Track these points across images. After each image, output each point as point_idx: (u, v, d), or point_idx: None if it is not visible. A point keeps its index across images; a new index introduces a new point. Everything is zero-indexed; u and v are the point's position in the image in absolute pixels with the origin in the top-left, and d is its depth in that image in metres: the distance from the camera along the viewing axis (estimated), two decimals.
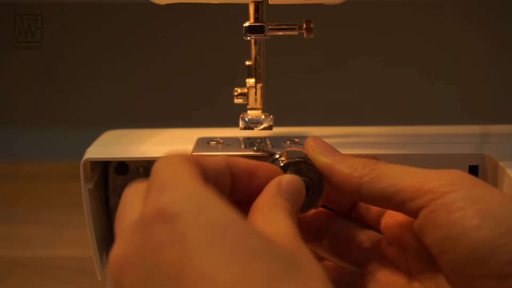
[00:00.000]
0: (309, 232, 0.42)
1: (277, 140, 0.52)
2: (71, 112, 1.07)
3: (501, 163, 0.48)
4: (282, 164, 0.39)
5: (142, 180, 0.33)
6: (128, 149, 0.52)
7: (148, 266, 0.28)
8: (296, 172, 0.39)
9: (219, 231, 0.27)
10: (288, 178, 0.36)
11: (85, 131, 0.74)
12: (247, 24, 0.51)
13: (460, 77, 1.05)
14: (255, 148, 0.48)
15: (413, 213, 0.35)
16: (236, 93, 0.54)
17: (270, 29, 0.51)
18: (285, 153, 0.40)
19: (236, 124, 0.53)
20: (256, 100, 0.53)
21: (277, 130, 0.55)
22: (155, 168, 0.31)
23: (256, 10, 0.51)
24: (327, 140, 0.52)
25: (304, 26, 0.51)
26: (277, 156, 0.40)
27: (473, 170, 0.49)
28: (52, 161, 0.96)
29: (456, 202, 0.32)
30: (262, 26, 0.51)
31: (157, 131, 0.58)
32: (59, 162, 0.93)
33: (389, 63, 1.04)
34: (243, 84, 0.54)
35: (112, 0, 1.01)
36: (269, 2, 0.50)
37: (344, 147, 0.51)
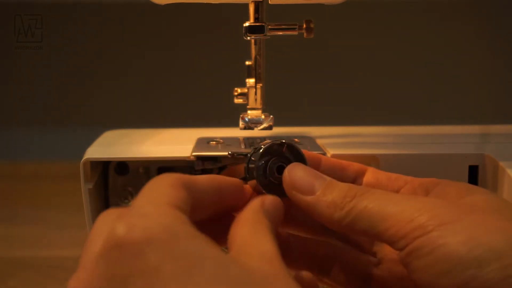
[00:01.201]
0: (314, 263, 0.41)
1: None
2: (71, 112, 1.07)
3: (501, 163, 0.48)
4: (254, 157, 0.39)
5: (114, 208, 0.32)
6: (128, 149, 0.52)
7: None
8: (273, 155, 0.39)
9: (195, 262, 0.26)
10: (271, 198, 0.35)
11: (85, 131, 0.75)
12: (247, 24, 0.51)
13: (460, 77, 1.05)
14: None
15: (398, 248, 0.33)
16: (236, 93, 0.54)
17: (270, 29, 0.51)
18: (256, 148, 0.40)
19: (236, 124, 0.53)
20: (256, 100, 0.53)
21: (277, 130, 0.55)
22: (143, 190, 0.31)
23: (256, 10, 0.51)
24: (327, 140, 0.52)
25: (304, 26, 0.51)
26: (251, 152, 0.40)
27: (473, 170, 0.49)
28: (52, 161, 0.96)
29: (440, 239, 0.31)
30: (262, 26, 0.51)
31: (157, 131, 0.58)
32: (59, 162, 0.93)
33: (389, 63, 1.04)
34: (243, 84, 0.54)
35: (112, 0, 1.01)
36: (269, 2, 0.50)
37: (344, 147, 0.51)
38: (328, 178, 0.37)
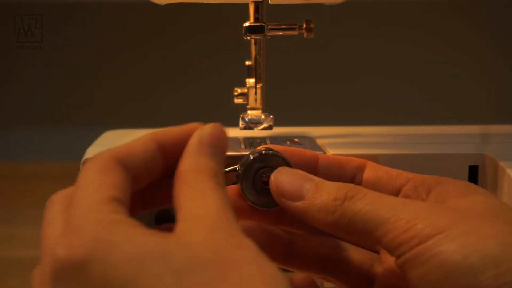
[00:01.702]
0: (318, 262, 0.40)
1: (277, 140, 0.52)
2: (71, 112, 1.07)
3: (501, 163, 0.48)
4: (241, 178, 0.38)
5: (64, 189, 0.32)
6: None
7: None
8: (256, 169, 0.38)
9: (136, 264, 0.26)
10: (207, 131, 0.33)
11: (85, 131, 0.74)
12: (247, 24, 0.51)
13: (460, 77, 1.05)
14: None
15: (394, 255, 0.33)
16: (236, 93, 0.54)
17: (270, 29, 0.51)
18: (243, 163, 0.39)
19: (236, 124, 0.53)
20: (256, 100, 0.53)
21: (277, 130, 0.55)
22: (76, 183, 0.30)
23: (256, 10, 0.51)
24: (327, 140, 0.52)
25: (304, 26, 0.51)
26: (238, 171, 0.39)
27: (473, 170, 0.49)
28: (52, 161, 0.96)
29: (436, 247, 0.31)
30: (262, 26, 0.51)
31: None
32: (59, 162, 0.93)
33: (389, 63, 1.04)
34: (243, 84, 0.54)
35: (112, 0, 1.01)
36: (269, 2, 0.50)
37: (344, 147, 0.51)
38: (316, 179, 0.36)
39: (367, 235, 0.33)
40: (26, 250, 0.66)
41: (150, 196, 0.35)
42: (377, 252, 0.40)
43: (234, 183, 0.39)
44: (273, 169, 0.37)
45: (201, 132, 0.34)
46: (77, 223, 0.28)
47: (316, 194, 0.35)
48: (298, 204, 0.35)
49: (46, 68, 1.05)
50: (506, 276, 0.29)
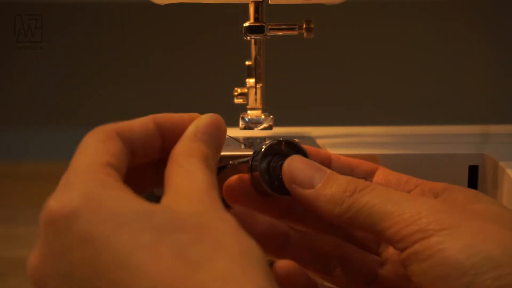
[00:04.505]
0: (316, 261, 0.40)
1: None
2: (71, 112, 1.07)
3: (501, 163, 0.48)
4: (256, 161, 0.39)
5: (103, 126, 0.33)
6: None
7: (62, 271, 0.28)
8: (274, 155, 0.38)
9: (120, 221, 0.27)
10: (205, 119, 0.35)
11: (85, 131, 0.74)
12: (247, 24, 0.51)
13: (460, 77, 1.05)
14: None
15: (397, 249, 0.33)
16: (236, 93, 0.54)
17: (270, 29, 0.51)
18: (256, 151, 0.39)
19: (236, 124, 0.53)
20: (256, 100, 0.53)
21: (277, 130, 0.55)
22: (78, 148, 0.32)
23: (256, 10, 0.51)
24: (327, 140, 0.52)
25: (304, 26, 0.51)
26: (251, 157, 0.39)
27: (473, 170, 0.49)
28: (52, 161, 0.96)
29: (439, 244, 0.31)
30: (262, 26, 0.51)
31: None
32: (59, 162, 0.93)
33: (389, 63, 1.04)
34: (243, 84, 0.54)
35: (112, 0, 1.01)
36: (269, 2, 0.50)
37: (344, 147, 0.51)
38: (329, 170, 0.36)
39: (372, 228, 0.34)
40: (26, 250, 0.65)
41: (146, 177, 0.36)
42: (379, 255, 0.40)
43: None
44: (288, 157, 0.38)
45: (199, 120, 0.36)
46: (71, 181, 0.30)
47: (327, 185, 0.36)
48: (308, 192, 0.36)
49: (46, 68, 1.05)
50: (506, 278, 0.30)
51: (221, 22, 0.91)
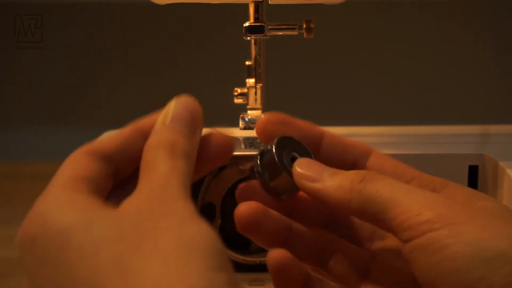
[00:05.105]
0: (312, 255, 0.40)
1: None
2: (71, 112, 1.07)
3: (501, 163, 0.48)
4: (269, 153, 0.38)
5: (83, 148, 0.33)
6: None
7: None
8: (285, 148, 0.38)
9: (63, 237, 0.28)
10: (175, 106, 0.34)
11: (85, 131, 0.74)
12: (247, 24, 0.51)
13: (460, 77, 1.05)
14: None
15: (403, 239, 0.33)
16: (236, 93, 0.54)
17: (270, 29, 0.51)
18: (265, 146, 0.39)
19: (236, 124, 0.53)
20: (256, 100, 0.53)
21: None
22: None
23: (256, 10, 0.51)
24: None
25: (304, 26, 0.51)
26: (261, 151, 0.39)
27: (473, 170, 0.49)
28: (52, 161, 0.96)
29: (448, 238, 0.31)
30: (262, 26, 0.51)
31: None
32: (59, 162, 0.93)
33: (389, 63, 1.04)
34: (243, 84, 0.54)
35: (112, 0, 1.01)
36: (269, 2, 0.50)
37: None
38: (336, 169, 0.37)
39: (380, 216, 0.33)
40: None
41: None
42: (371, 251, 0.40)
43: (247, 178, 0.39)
44: (297, 153, 0.38)
45: (168, 107, 0.34)
46: (37, 202, 0.31)
47: (335, 176, 0.36)
48: (316, 184, 0.36)
49: (46, 68, 1.05)
50: None
51: (221, 22, 0.92)
